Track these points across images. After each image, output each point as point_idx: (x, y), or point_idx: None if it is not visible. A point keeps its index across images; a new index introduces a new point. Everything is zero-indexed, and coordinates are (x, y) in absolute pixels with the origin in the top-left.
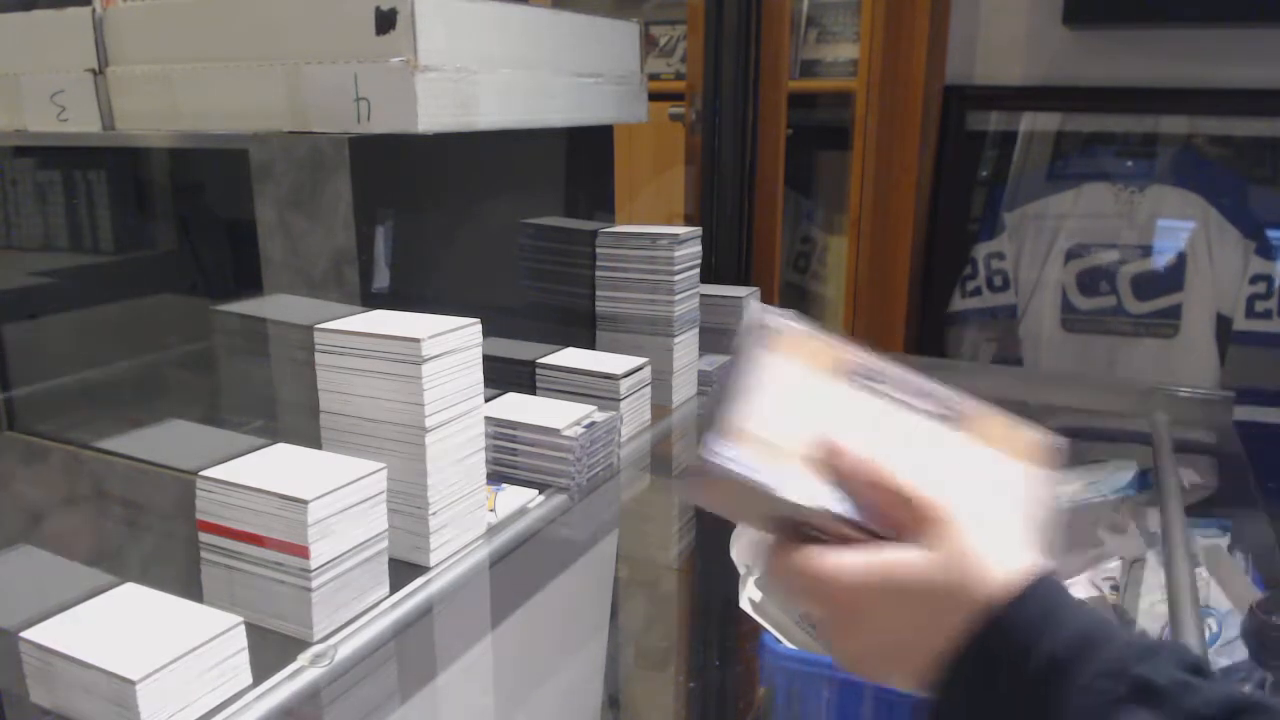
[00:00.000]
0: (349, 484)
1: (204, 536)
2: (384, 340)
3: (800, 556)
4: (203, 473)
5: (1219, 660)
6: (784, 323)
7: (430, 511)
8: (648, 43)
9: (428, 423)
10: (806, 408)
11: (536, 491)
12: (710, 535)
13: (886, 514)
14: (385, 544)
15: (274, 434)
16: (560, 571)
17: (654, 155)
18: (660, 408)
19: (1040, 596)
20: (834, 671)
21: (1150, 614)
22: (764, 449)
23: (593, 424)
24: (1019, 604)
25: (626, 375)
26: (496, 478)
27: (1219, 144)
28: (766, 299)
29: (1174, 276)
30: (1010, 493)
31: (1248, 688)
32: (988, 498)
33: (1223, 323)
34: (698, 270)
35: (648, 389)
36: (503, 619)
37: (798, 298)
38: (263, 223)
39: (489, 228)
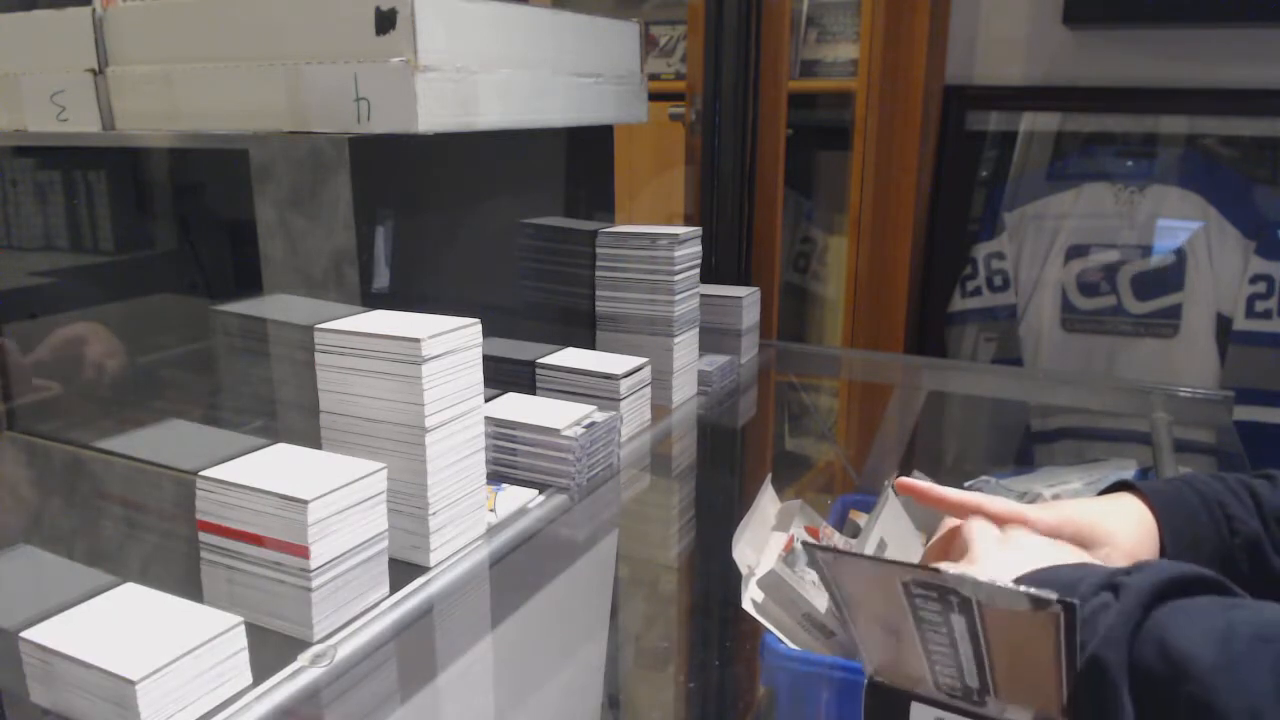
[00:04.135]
0: (349, 484)
1: (204, 536)
2: (384, 340)
3: None
4: (203, 473)
5: None
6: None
7: (430, 511)
8: (648, 43)
9: (428, 423)
10: None
11: (536, 491)
12: (710, 535)
13: None
14: (385, 544)
15: (274, 434)
16: (560, 571)
17: (654, 155)
18: (660, 408)
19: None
20: (834, 672)
21: None
22: None
23: (593, 424)
24: None
25: (626, 375)
26: (496, 478)
27: (1219, 144)
28: (766, 299)
29: (1174, 276)
30: None
31: None
32: None
33: (1223, 323)
34: (698, 270)
35: (648, 389)
36: (503, 619)
37: (798, 298)
38: (263, 223)
39: (489, 228)
